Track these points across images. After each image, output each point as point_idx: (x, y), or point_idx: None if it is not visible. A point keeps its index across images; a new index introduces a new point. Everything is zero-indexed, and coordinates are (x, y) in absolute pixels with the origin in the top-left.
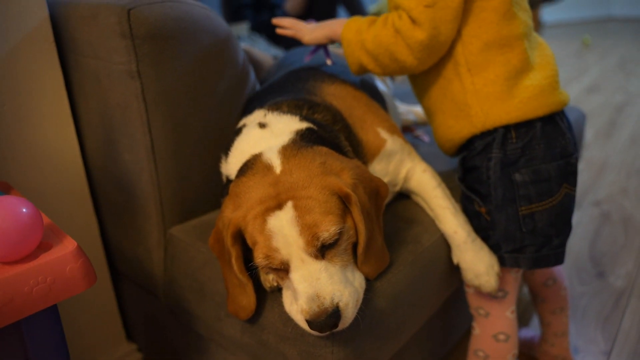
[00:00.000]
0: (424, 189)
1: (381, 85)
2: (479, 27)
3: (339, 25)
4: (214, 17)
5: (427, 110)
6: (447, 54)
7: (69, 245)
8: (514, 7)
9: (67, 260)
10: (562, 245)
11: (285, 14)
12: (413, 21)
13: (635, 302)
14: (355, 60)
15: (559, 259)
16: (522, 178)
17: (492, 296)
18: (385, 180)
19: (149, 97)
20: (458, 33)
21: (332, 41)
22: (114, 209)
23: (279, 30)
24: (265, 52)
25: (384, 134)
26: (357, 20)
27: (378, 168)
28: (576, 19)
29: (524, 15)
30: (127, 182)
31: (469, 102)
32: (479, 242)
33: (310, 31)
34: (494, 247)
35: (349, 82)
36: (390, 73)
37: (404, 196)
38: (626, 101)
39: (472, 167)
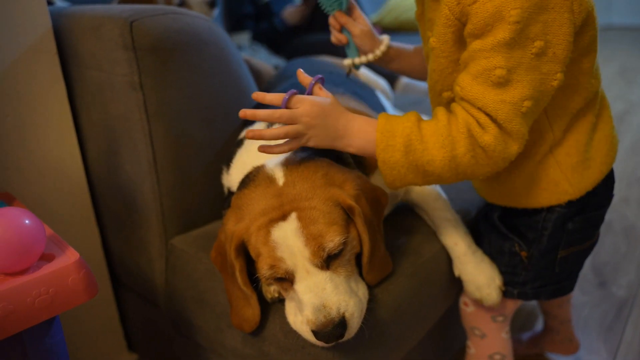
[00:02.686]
0: (425, 200)
1: (382, 97)
2: (566, 98)
3: (361, 134)
4: (216, 29)
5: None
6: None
7: (71, 256)
8: (597, 56)
9: (69, 272)
10: (578, 274)
11: (284, 23)
12: (507, 132)
13: (637, 312)
14: (402, 183)
15: (573, 286)
16: (573, 227)
17: (491, 318)
18: (387, 191)
19: (151, 109)
20: (543, 112)
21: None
22: (115, 219)
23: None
24: (265, 61)
25: None
26: (392, 130)
27: (379, 179)
28: None
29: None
30: (128, 192)
31: (553, 178)
32: (479, 254)
33: (311, 136)
34: (520, 284)
35: (351, 93)
36: (447, 183)
37: (405, 207)
38: (627, 110)
39: (525, 213)
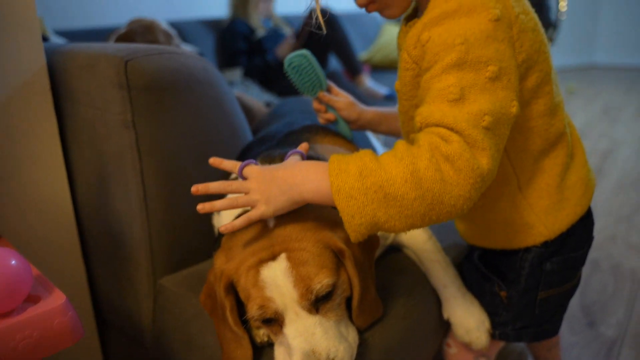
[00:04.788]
0: (415, 242)
1: (374, 138)
2: (526, 140)
3: (311, 175)
4: (210, 69)
5: (458, 220)
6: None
7: (57, 298)
8: (556, 96)
9: (55, 315)
10: (562, 318)
11: (276, 59)
12: (471, 143)
13: (626, 351)
14: (365, 218)
15: (557, 330)
16: (551, 267)
17: (473, 359)
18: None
19: (144, 147)
20: (504, 153)
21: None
22: (103, 258)
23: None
24: (257, 97)
25: None
26: (345, 158)
27: None
28: (560, 67)
29: (558, 90)
30: (118, 231)
31: (527, 220)
32: (469, 297)
33: (266, 199)
34: (501, 325)
35: (342, 135)
36: (418, 226)
37: (396, 249)
38: (611, 148)
39: (503, 253)
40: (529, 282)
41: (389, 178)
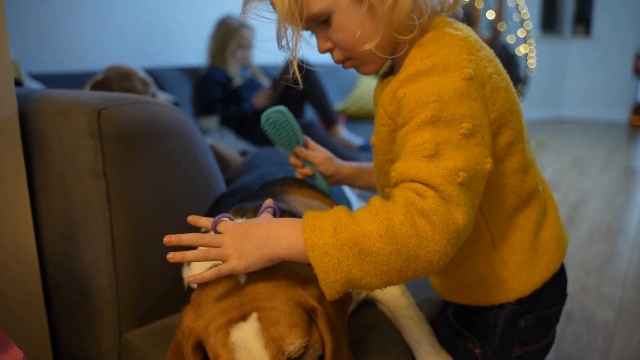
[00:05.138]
0: (388, 298)
1: (349, 192)
2: (499, 196)
3: (286, 231)
4: (185, 119)
5: (432, 275)
6: None
7: (14, 355)
8: (528, 154)
9: None
10: None
11: (252, 108)
12: (446, 198)
13: None
14: (340, 275)
15: None
16: (526, 324)
17: None
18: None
19: (113, 197)
20: (478, 209)
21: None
22: (67, 309)
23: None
24: (233, 145)
25: None
26: (320, 215)
27: None
28: (530, 120)
29: (530, 148)
30: (83, 281)
31: (501, 277)
32: (444, 355)
33: (238, 254)
34: None
35: (316, 188)
36: (394, 283)
37: (369, 304)
38: (581, 199)
39: (477, 310)
40: (504, 339)
41: (364, 234)
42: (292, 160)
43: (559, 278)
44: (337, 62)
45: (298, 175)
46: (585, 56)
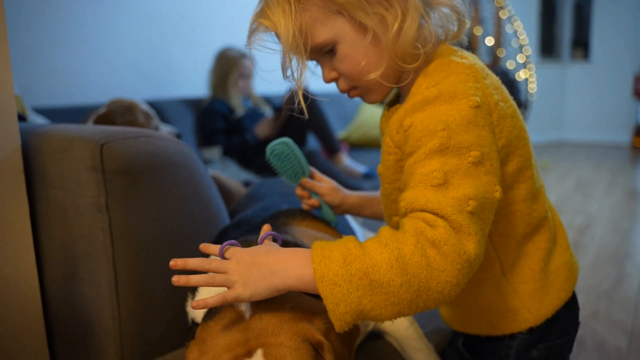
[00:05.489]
0: (396, 329)
1: (353, 222)
2: (509, 224)
3: (294, 261)
4: (187, 151)
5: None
6: None
7: None
8: (537, 181)
9: None
10: None
11: (255, 138)
12: (456, 228)
13: None
14: (350, 306)
15: None
16: (538, 354)
17: None
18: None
19: (116, 231)
20: (488, 240)
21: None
22: (69, 344)
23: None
24: (236, 176)
25: None
26: (328, 245)
27: None
28: (532, 143)
29: (539, 175)
30: (86, 317)
31: (512, 306)
32: None
33: (244, 281)
34: None
35: (320, 218)
36: (405, 314)
37: (377, 335)
38: (587, 223)
39: (487, 340)
40: None
41: (374, 264)
42: (299, 191)
43: (571, 306)
44: (342, 91)
45: (305, 207)
46: (584, 79)
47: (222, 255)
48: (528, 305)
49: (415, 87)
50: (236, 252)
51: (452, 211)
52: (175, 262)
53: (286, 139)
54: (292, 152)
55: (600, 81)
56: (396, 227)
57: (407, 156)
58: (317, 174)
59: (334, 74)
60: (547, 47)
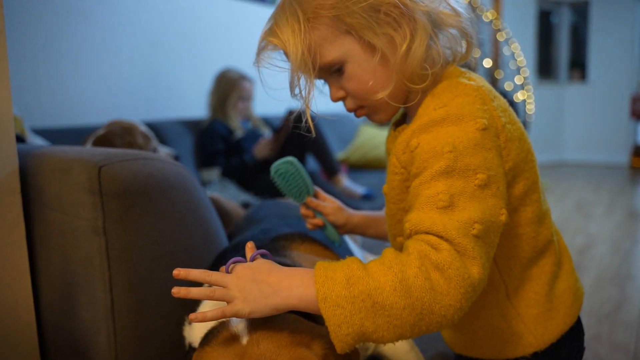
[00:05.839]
0: (396, 353)
1: (350, 241)
2: (514, 247)
3: (297, 281)
4: (186, 174)
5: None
6: None
7: None
8: (543, 204)
9: None
10: None
11: (254, 160)
12: (461, 251)
13: None
14: (352, 328)
15: None
16: None
17: None
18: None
19: (113, 254)
20: (493, 263)
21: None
22: None
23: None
24: (235, 197)
25: None
26: (332, 265)
27: None
28: None
29: (545, 198)
30: (82, 342)
31: (516, 330)
32: None
33: (244, 297)
34: None
35: (319, 241)
36: (407, 337)
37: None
38: (588, 244)
39: None
40: None
41: (377, 286)
42: (303, 210)
43: (576, 331)
44: (349, 110)
45: (309, 226)
46: (582, 100)
47: (228, 270)
48: (532, 330)
49: (422, 108)
50: (237, 267)
51: (457, 234)
52: (179, 272)
53: (291, 158)
54: (297, 171)
55: (598, 102)
56: (400, 247)
57: (412, 177)
58: (322, 193)
59: (341, 93)
60: (545, 68)
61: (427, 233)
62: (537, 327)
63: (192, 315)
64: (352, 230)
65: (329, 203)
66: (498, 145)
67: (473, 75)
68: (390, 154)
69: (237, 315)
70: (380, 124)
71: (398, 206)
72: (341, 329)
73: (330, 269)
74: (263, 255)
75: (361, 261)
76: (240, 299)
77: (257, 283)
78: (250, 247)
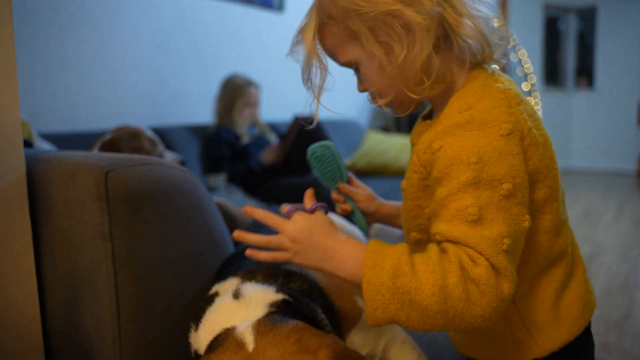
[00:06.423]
0: None
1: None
2: (529, 254)
3: (351, 259)
4: (192, 179)
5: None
6: None
7: None
8: (562, 214)
9: None
10: None
11: (260, 165)
12: (496, 268)
13: None
14: (386, 314)
15: None
16: None
17: None
18: (364, 352)
19: (119, 259)
20: None
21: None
22: None
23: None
24: (241, 203)
25: (361, 303)
26: (383, 250)
27: (356, 339)
28: None
29: (565, 208)
30: (87, 348)
31: (518, 336)
32: None
33: (297, 250)
34: None
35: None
36: (433, 331)
37: None
38: (596, 252)
39: None
40: None
41: (418, 287)
42: (334, 195)
43: (585, 343)
44: (372, 102)
45: (338, 211)
46: (589, 108)
47: (288, 215)
48: (534, 337)
49: (447, 108)
50: (296, 215)
51: (491, 252)
52: (239, 234)
53: (327, 142)
54: (332, 156)
55: (605, 109)
56: (414, 242)
57: (433, 180)
58: (355, 179)
59: (362, 87)
60: (552, 75)
61: (465, 245)
62: (540, 334)
63: (249, 251)
64: (381, 219)
65: (361, 190)
66: (523, 149)
67: (502, 77)
68: (413, 151)
69: (287, 261)
70: (403, 116)
71: (415, 203)
72: (376, 312)
73: (380, 256)
74: (322, 208)
75: (410, 254)
76: (293, 250)
77: (314, 246)
78: (310, 196)
